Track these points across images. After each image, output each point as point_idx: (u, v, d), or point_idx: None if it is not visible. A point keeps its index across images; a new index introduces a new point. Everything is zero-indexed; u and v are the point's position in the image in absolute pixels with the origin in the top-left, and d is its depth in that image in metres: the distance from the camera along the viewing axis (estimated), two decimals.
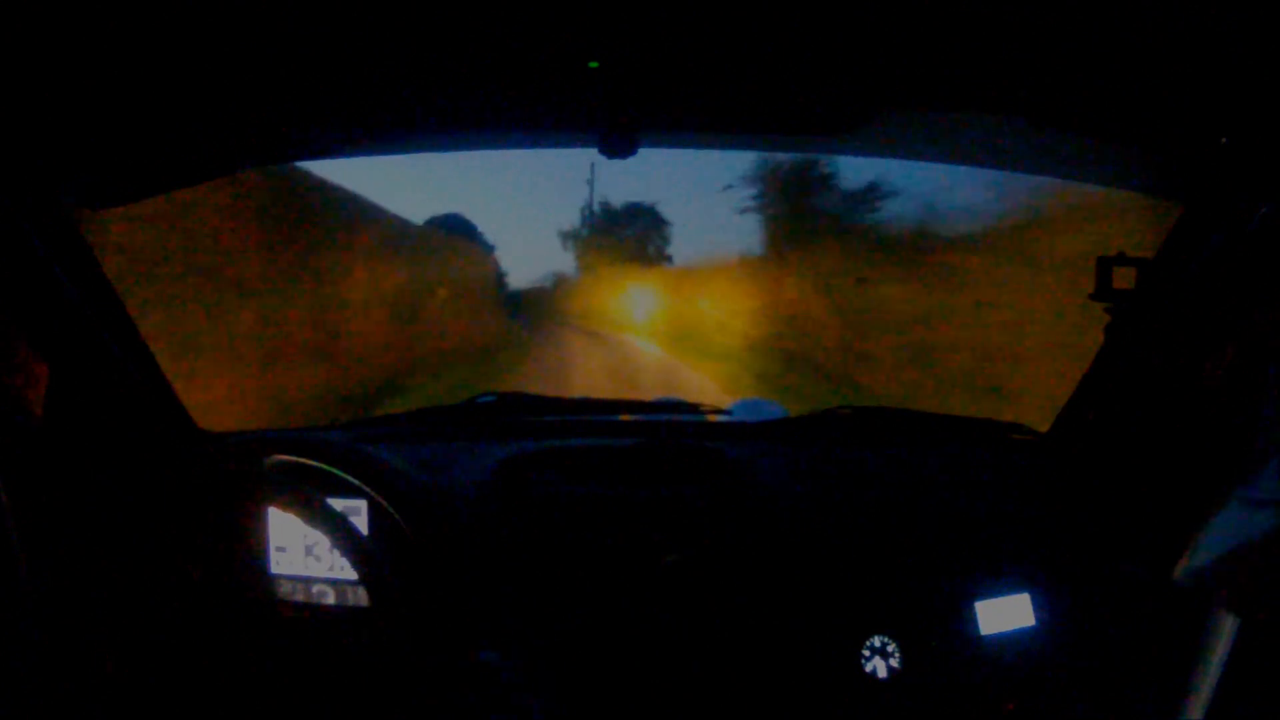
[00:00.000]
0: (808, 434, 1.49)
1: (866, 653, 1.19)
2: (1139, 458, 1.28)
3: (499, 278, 12.34)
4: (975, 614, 1.21)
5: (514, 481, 1.31)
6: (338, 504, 1.03)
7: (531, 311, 13.31)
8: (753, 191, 9.60)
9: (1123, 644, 1.20)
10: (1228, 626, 0.58)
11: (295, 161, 1.33)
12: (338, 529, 0.98)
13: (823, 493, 1.33)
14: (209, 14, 0.81)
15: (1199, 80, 0.89)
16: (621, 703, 1.19)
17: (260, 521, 1.16)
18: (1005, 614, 1.22)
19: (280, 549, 1.19)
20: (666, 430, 1.48)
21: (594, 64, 0.95)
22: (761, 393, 7.40)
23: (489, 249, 11.84)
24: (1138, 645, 1.16)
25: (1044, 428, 1.49)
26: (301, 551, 1.19)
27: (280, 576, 1.19)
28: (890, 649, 1.19)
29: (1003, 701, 1.20)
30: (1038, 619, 1.23)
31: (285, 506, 1.00)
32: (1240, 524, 0.57)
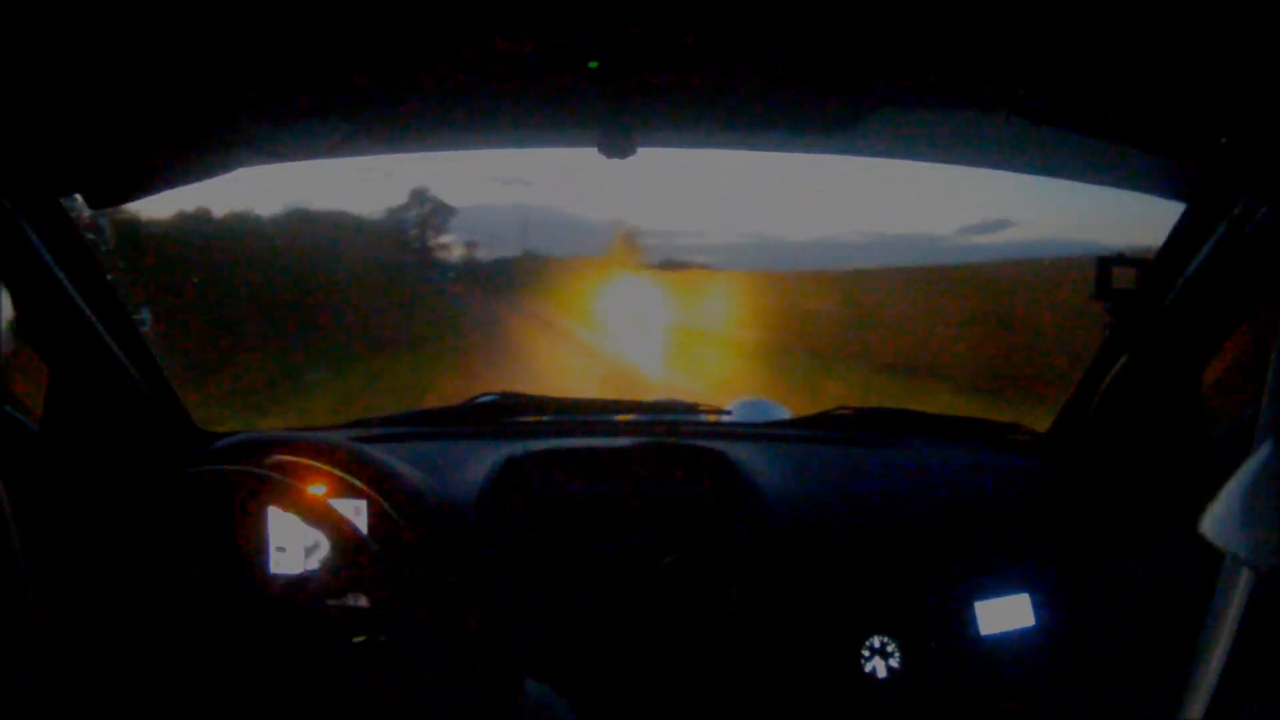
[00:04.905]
0: (808, 434, 1.49)
1: (866, 653, 1.19)
2: (1139, 458, 1.28)
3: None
4: (975, 614, 1.21)
5: (514, 481, 1.31)
6: (338, 504, 1.03)
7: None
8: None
9: (1123, 644, 1.20)
10: (1228, 624, 0.58)
11: (295, 161, 1.33)
12: (338, 529, 0.98)
13: (823, 493, 1.33)
14: (209, 14, 0.81)
15: (1199, 80, 0.89)
16: (622, 702, 1.19)
17: (260, 521, 1.16)
18: (1005, 614, 1.22)
19: (280, 549, 1.19)
20: (666, 430, 1.48)
21: (594, 64, 0.95)
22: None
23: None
24: (1137, 645, 1.16)
25: (1044, 428, 1.49)
26: (301, 552, 1.19)
27: (280, 576, 1.19)
28: (890, 649, 1.19)
29: (1003, 701, 1.20)
30: (1038, 619, 1.23)
31: (285, 506, 1.00)
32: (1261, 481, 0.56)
